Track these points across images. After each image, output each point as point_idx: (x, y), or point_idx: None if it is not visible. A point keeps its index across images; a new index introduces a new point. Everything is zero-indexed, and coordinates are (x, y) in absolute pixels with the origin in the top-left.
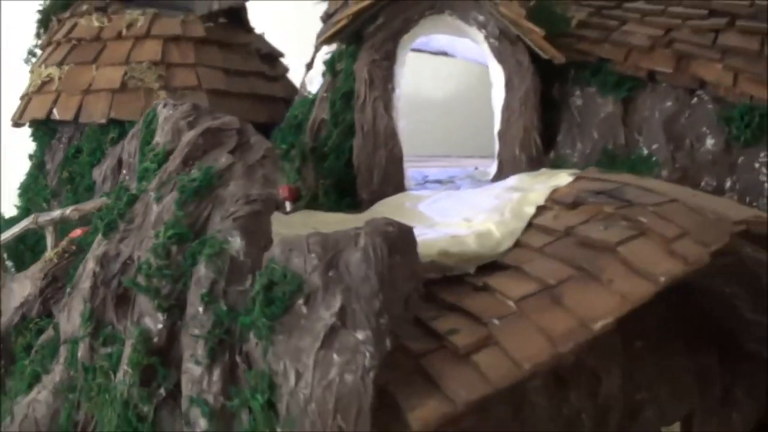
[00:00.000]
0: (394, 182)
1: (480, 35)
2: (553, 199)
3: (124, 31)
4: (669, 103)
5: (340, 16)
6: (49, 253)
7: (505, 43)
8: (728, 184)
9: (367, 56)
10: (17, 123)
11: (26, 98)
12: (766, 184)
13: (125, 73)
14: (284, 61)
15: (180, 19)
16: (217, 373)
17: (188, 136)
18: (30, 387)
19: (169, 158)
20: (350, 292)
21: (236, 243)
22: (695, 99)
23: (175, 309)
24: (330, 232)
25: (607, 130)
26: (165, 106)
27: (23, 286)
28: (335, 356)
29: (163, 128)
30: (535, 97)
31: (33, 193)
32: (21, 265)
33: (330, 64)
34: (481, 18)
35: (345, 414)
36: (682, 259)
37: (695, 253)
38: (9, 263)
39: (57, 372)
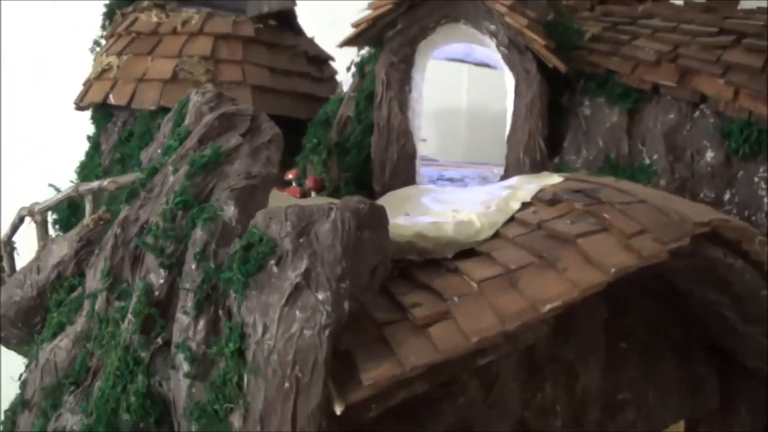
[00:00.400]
0: (404, 177)
1: (492, 44)
2: (537, 197)
3: (179, 27)
4: (671, 116)
5: (360, 20)
6: (87, 219)
7: (513, 51)
8: (727, 196)
9: (385, 59)
10: (79, 106)
11: (88, 84)
12: (765, 199)
13: (176, 66)
14: (335, 64)
15: (232, 19)
16: (201, 324)
17: (207, 118)
18: (54, 336)
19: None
20: (316, 257)
21: (230, 211)
22: (697, 113)
23: (175, 267)
24: (307, 205)
25: (611, 139)
26: (196, 93)
27: (61, 248)
28: (297, 313)
29: (190, 112)
30: (541, 104)
31: (88, 171)
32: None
33: (359, 67)
34: (492, 27)
35: (302, 365)
36: (636, 253)
37: (651, 249)
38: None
39: (79, 323)
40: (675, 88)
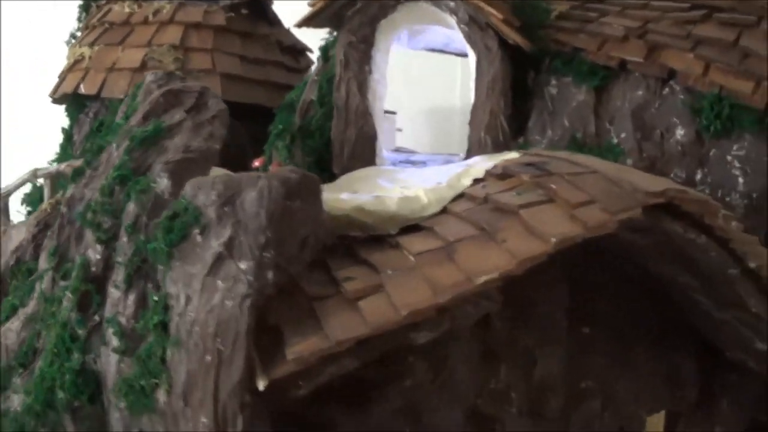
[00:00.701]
0: (364, 159)
1: (453, 21)
2: (489, 172)
3: (150, 17)
4: (639, 92)
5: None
6: (45, 203)
7: (474, 28)
8: (699, 176)
9: (344, 38)
10: (54, 99)
11: (62, 76)
12: (739, 178)
13: (146, 55)
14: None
15: (203, 9)
16: (132, 298)
17: (152, 95)
18: (7, 319)
19: None
20: (240, 225)
21: (163, 183)
22: (667, 89)
23: (112, 242)
24: (237, 175)
25: (578, 118)
26: (151, 74)
27: (20, 233)
28: (220, 283)
29: (141, 91)
30: (503, 83)
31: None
32: None
33: (324, 50)
34: (452, 4)
35: (224, 337)
36: (581, 223)
37: (598, 218)
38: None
39: (30, 305)
40: (643, 63)
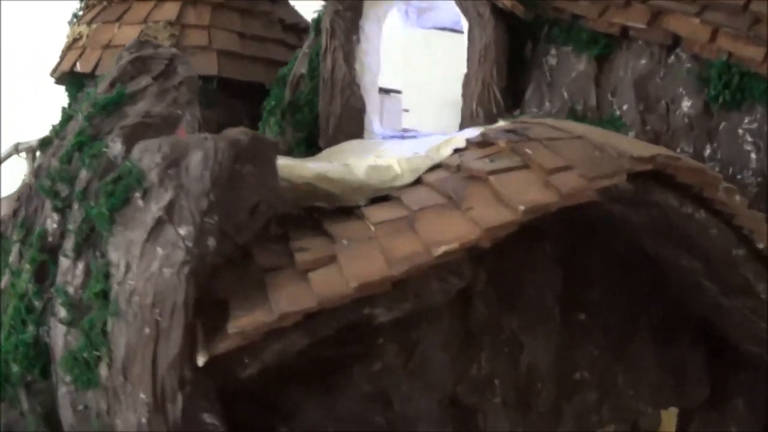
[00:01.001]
0: (350, 132)
1: None
2: (470, 141)
3: None
4: (643, 62)
5: None
6: (26, 176)
7: None
8: (708, 152)
9: (331, 7)
10: (55, 78)
11: (62, 55)
12: (752, 154)
13: (141, 32)
14: None
15: None
16: (80, 267)
17: (120, 63)
18: None
19: None
20: (182, 189)
21: (116, 148)
22: (672, 58)
23: (69, 210)
24: (187, 137)
25: (577, 90)
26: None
27: (2, 209)
28: (159, 249)
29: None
30: (497, 51)
31: None
32: None
33: (315, 22)
34: None
35: (162, 307)
36: (555, 191)
37: (573, 186)
38: None
39: (3, 280)
40: (646, 30)
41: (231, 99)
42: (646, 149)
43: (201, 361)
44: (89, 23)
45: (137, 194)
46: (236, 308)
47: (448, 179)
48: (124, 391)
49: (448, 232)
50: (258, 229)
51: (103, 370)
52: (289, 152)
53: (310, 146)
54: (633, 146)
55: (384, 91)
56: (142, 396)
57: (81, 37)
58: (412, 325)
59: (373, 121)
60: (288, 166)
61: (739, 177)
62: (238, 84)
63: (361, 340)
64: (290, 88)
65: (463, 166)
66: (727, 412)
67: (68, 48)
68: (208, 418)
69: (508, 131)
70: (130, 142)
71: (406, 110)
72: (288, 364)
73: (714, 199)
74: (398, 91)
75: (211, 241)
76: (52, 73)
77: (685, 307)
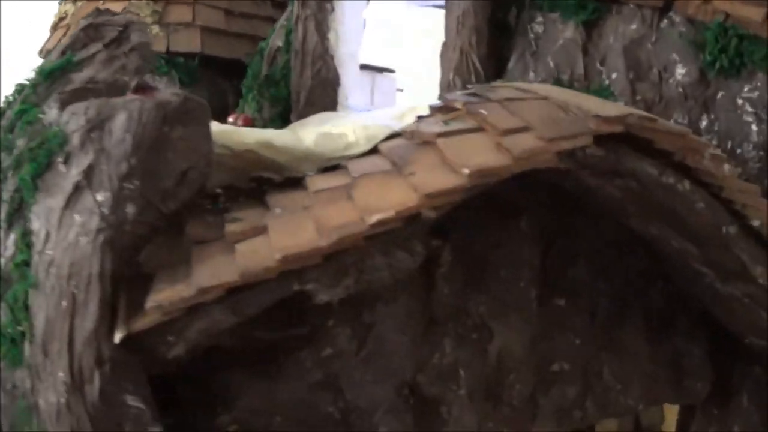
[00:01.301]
0: (322, 106)
1: None
2: (433, 107)
3: None
4: (633, 26)
5: None
6: None
7: None
8: (704, 123)
9: None
10: (41, 56)
11: (50, 34)
12: (753, 126)
13: (124, 8)
14: None
15: None
16: (12, 238)
17: (74, 31)
18: None
19: None
20: (102, 152)
21: (52, 114)
22: (665, 22)
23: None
24: (116, 99)
25: (564, 58)
26: None
27: None
28: (76, 217)
29: None
30: (476, 17)
31: None
32: None
33: None
34: None
35: (78, 279)
36: (507, 153)
37: (528, 147)
38: None
39: None
40: None
41: (217, 77)
42: (618, 110)
43: (117, 337)
44: (75, 1)
45: (59, 159)
46: (159, 282)
47: (401, 146)
48: (44, 368)
49: (386, 200)
50: (187, 197)
51: (26, 347)
52: (266, 127)
53: (285, 121)
54: (603, 107)
55: (377, 70)
56: (61, 374)
57: (66, 15)
58: (366, 307)
59: (351, 95)
60: (227, 132)
61: (738, 151)
62: (223, 62)
63: (308, 321)
64: (267, 62)
65: (417, 131)
66: (730, 409)
67: (55, 27)
68: (131, 400)
69: (470, 94)
70: (64, 106)
71: (401, 90)
72: (230, 347)
73: (699, 168)
74: (391, 70)
75: (131, 209)
76: (39, 53)
77: (684, 297)
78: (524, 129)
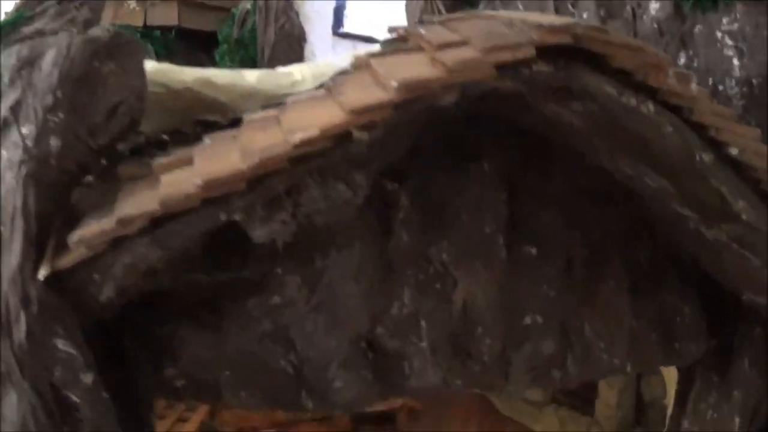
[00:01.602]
0: (287, 60)
1: None
2: (381, 42)
3: None
4: None
5: None
6: None
7: None
8: (683, 60)
9: None
10: None
11: None
12: (734, 60)
13: None
14: None
15: None
16: None
17: None
18: None
19: None
20: (30, 87)
21: None
22: None
23: None
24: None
25: (534, 0)
26: None
27: None
28: (3, 152)
29: None
30: None
31: None
32: None
33: None
34: None
35: (4, 214)
36: (440, 66)
37: (463, 59)
38: None
39: None
40: None
41: (193, 49)
42: (566, 21)
43: (41, 274)
44: None
45: None
46: (87, 220)
47: (347, 78)
48: None
49: (310, 121)
50: (117, 132)
51: None
52: None
53: None
54: (550, 18)
55: (362, 39)
56: None
57: None
58: (318, 254)
59: (318, 53)
60: (164, 70)
61: (721, 87)
62: (201, 34)
63: (255, 268)
64: (237, 25)
65: (368, 62)
66: (730, 375)
67: None
68: (62, 345)
69: (418, 22)
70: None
71: None
72: (173, 293)
73: (663, 89)
74: (377, 40)
75: (55, 141)
76: None
77: (672, 252)
78: (462, 43)
